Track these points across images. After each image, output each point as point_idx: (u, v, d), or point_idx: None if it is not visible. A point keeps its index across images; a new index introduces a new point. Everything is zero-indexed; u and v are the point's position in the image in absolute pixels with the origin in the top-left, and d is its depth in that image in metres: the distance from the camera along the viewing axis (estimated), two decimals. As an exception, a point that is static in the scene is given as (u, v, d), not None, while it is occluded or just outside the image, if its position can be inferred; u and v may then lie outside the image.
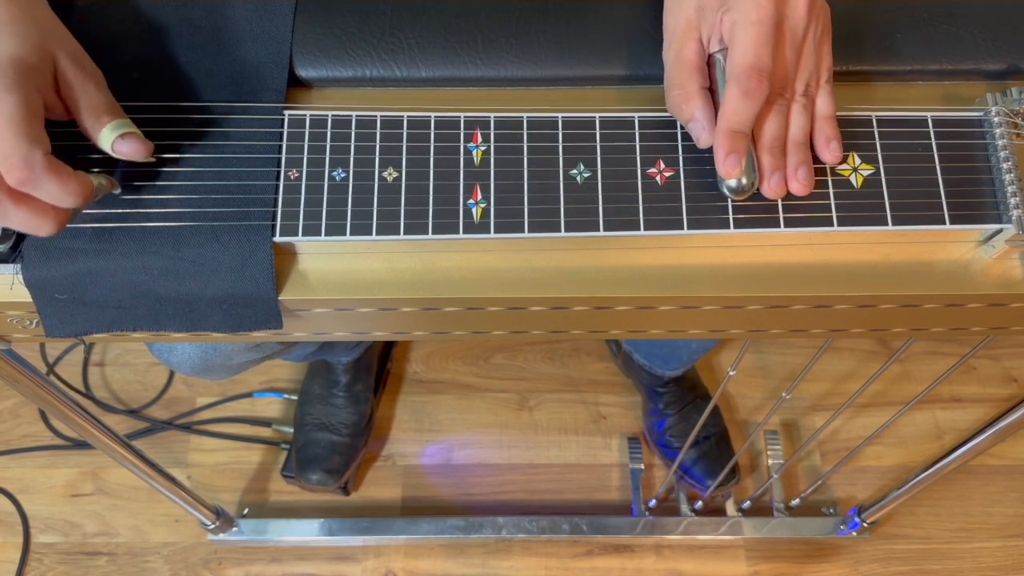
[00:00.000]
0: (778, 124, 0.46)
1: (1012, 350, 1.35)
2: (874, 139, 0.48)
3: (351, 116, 0.48)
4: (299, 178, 0.47)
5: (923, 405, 1.30)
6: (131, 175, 0.47)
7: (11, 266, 0.46)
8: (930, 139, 0.48)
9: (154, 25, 0.50)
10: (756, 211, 0.47)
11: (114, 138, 0.43)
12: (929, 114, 0.49)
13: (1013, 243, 0.47)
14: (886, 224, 0.47)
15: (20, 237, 0.46)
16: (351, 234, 0.46)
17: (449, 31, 0.51)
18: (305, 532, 1.16)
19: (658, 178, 0.47)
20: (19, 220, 0.41)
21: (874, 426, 0.93)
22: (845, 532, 1.16)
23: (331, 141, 0.48)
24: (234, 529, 1.15)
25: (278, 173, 0.47)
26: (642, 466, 1.23)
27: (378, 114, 0.48)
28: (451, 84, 0.51)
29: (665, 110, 0.48)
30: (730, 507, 1.19)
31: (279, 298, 0.48)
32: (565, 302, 0.49)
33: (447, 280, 0.48)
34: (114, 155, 0.44)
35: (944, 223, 0.47)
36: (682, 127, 0.48)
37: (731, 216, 0.47)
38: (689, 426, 1.20)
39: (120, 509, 1.22)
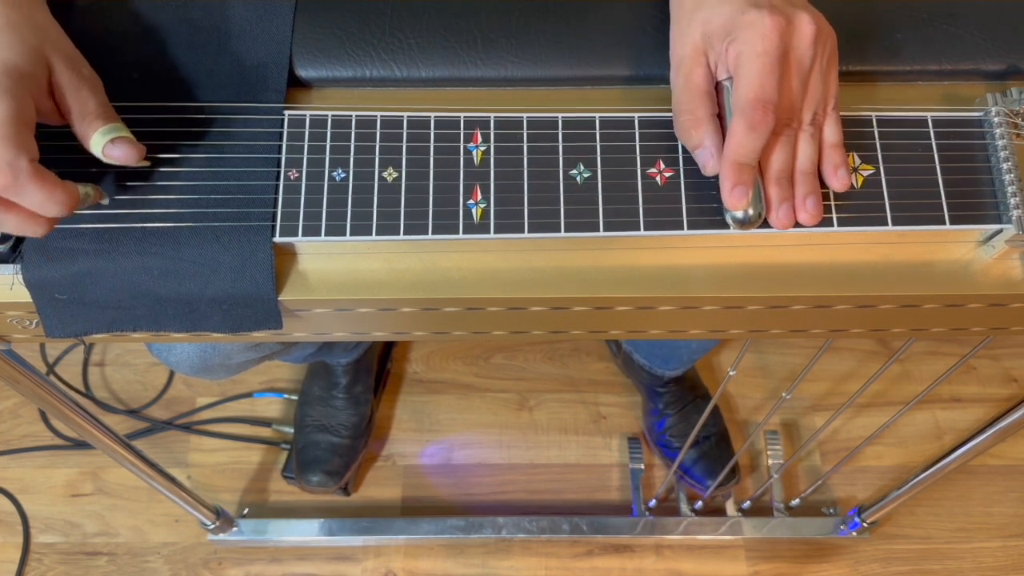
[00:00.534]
0: (785, 155, 0.45)
1: (1012, 350, 1.35)
2: (874, 139, 0.48)
3: (351, 116, 0.48)
4: (299, 178, 0.47)
5: (923, 405, 1.30)
6: (131, 175, 0.47)
7: (11, 266, 0.46)
8: (930, 139, 0.48)
9: (154, 25, 0.50)
10: (756, 211, 0.47)
11: (105, 143, 0.43)
12: (929, 114, 0.49)
13: (1013, 243, 0.47)
14: (886, 224, 0.47)
15: (20, 238, 0.46)
16: (351, 234, 0.46)
17: (449, 31, 0.51)
18: (305, 532, 1.16)
19: (658, 178, 0.47)
20: (9, 225, 0.41)
21: (874, 426, 0.93)
22: (845, 532, 1.16)
23: (331, 141, 0.48)
24: (234, 529, 1.15)
25: (278, 173, 0.47)
26: (642, 466, 1.23)
27: (378, 114, 0.48)
28: (451, 84, 0.51)
29: (665, 110, 0.48)
30: (730, 507, 1.19)
31: (279, 298, 0.48)
32: (565, 302, 0.49)
33: (447, 280, 0.48)
34: (105, 160, 0.44)
35: (944, 223, 0.47)
36: None
37: (731, 216, 0.47)
38: (689, 426, 1.20)
39: (120, 509, 1.22)
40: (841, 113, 0.47)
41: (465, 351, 1.35)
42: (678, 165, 0.47)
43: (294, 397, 1.28)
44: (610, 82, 0.51)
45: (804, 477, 1.24)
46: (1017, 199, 0.47)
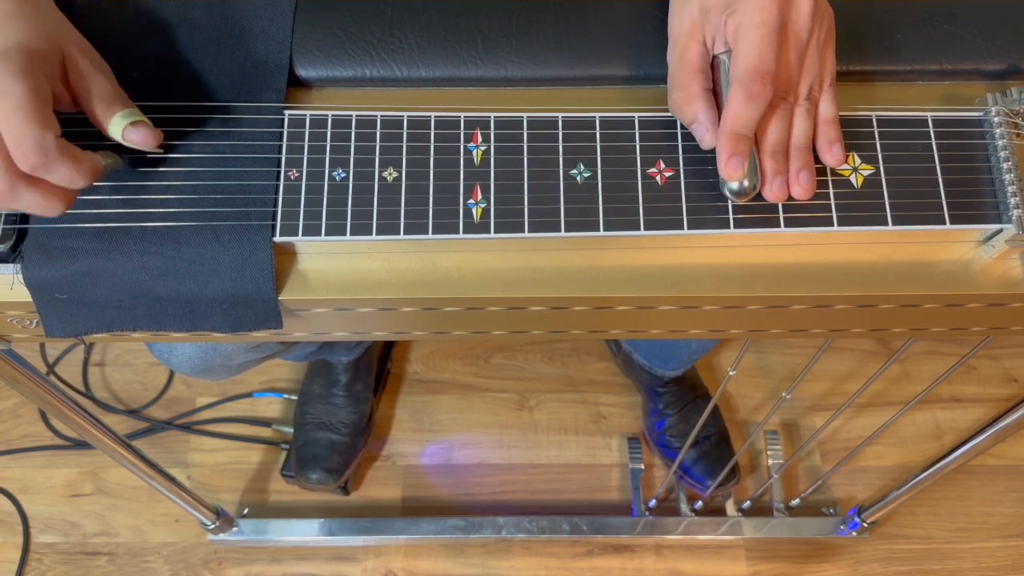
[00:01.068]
0: (781, 128, 0.46)
1: (1012, 350, 1.35)
2: (874, 139, 0.48)
3: (351, 116, 0.48)
4: (299, 178, 0.47)
5: (923, 405, 1.30)
6: (131, 175, 0.47)
7: (11, 266, 0.46)
8: (930, 139, 0.48)
9: (154, 25, 0.50)
10: (756, 211, 0.47)
11: (125, 126, 0.44)
12: (929, 114, 0.49)
13: (1013, 243, 0.47)
14: (886, 224, 0.47)
15: (20, 237, 0.46)
16: (351, 234, 0.46)
17: (449, 31, 0.51)
18: (305, 532, 1.16)
19: (658, 178, 0.47)
20: (29, 202, 0.42)
21: (874, 426, 0.93)
22: (845, 532, 1.16)
23: (331, 141, 0.48)
24: (234, 529, 1.15)
25: (278, 173, 0.47)
26: (642, 466, 1.23)
27: (378, 114, 0.48)
28: (451, 84, 0.51)
29: (665, 110, 0.48)
30: (730, 507, 1.19)
31: (279, 298, 0.48)
32: (565, 302, 0.49)
33: (447, 280, 0.48)
34: (124, 143, 0.45)
35: (944, 223, 0.47)
36: (683, 127, 0.48)
37: (731, 216, 0.47)
38: (689, 426, 1.20)
39: (120, 509, 1.22)
40: (841, 113, 0.47)
41: (465, 351, 1.35)
42: (678, 165, 0.47)
43: (294, 397, 1.28)
44: (610, 82, 0.51)
45: (804, 477, 1.24)
46: (1017, 199, 0.47)
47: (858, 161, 0.48)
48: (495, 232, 0.46)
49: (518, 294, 0.48)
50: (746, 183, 0.45)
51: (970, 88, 0.52)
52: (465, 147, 0.48)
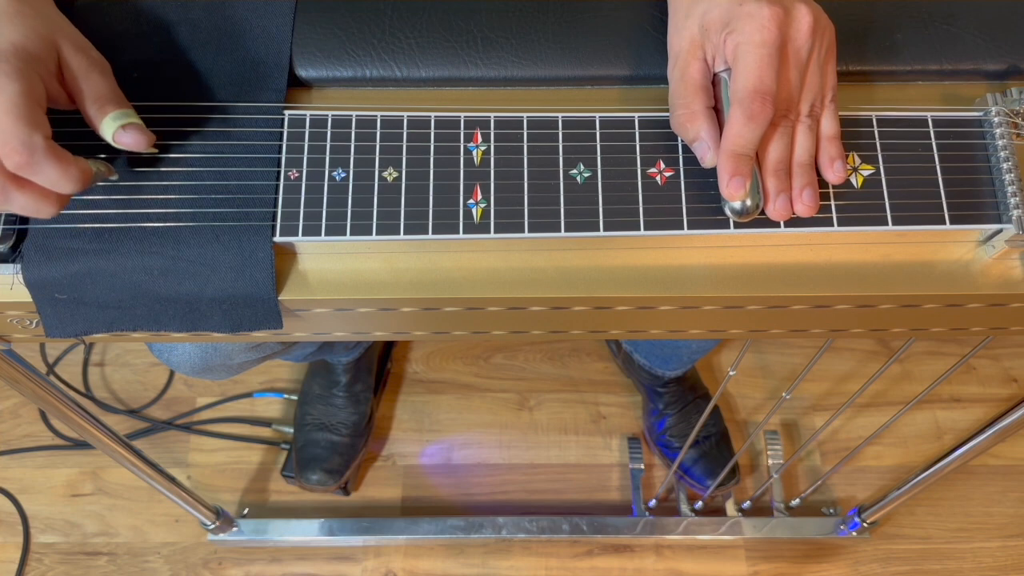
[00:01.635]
0: (783, 146, 0.45)
1: (1012, 350, 1.35)
2: (874, 139, 0.48)
3: (351, 116, 0.48)
4: (299, 178, 0.47)
5: (923, 405, 1.30)
6: (131, 175, 0.47)
7: (11, 266, 0.46)
8: (930, 139, 0.48)
9: (154, 25, 0.50)
10: (756, 211, 0.47)
11: (116, 128, 0.44)
12: (929, 114, 0.49)
13: (1013, 243, 0.47)
14: (886, 224, 0.47)
15: (20, 237, 0.46)
16: (351, 234, 0.46)
17: (449, 31, 0.51)
18: (305, 532, 1.16)
19: (658, 178, 0.47)
20: (21, 204, 0.41)
21: (874, 426, 0.93)
22: (845, 532, 1.16)
23: (331, 141, 0.48)
24: (234, 529, 1.15)
25: (278, 173, 0.47)
26: (642, 466, 1.23)
27: (378, 114, 0.48)
28: (451, 84, 0.51)
29: (665, 110, 0.48)
30: (730, 507, 1.19)
31: (279, 298, 0.48)
32: (565, 302, 0.49)
33: (447, 280, 0.48)
34: (116, 145, 0.44)
35: (944, 223, 0.47)
36: None
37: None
38: (689, 426, 1.20)
39: (120, 509, 1.22)
40: (841, 113, 0.47)
41: (465, 351, 1.35)
42: (678, 165, 0.47)
43: (294, 397, 1.28)
44: (610, 82, 0.51)
45: (804, 477, 1.24)
46: (1017, 199, 0.47)
47: (858, 161, 0.48)
48: (495, 232, 0.46)
49: (518, 294, 0.48)
50: (748, 203, 0.45)
51: (970, 88, 0.52)
52: (465, 147, 0.48)
